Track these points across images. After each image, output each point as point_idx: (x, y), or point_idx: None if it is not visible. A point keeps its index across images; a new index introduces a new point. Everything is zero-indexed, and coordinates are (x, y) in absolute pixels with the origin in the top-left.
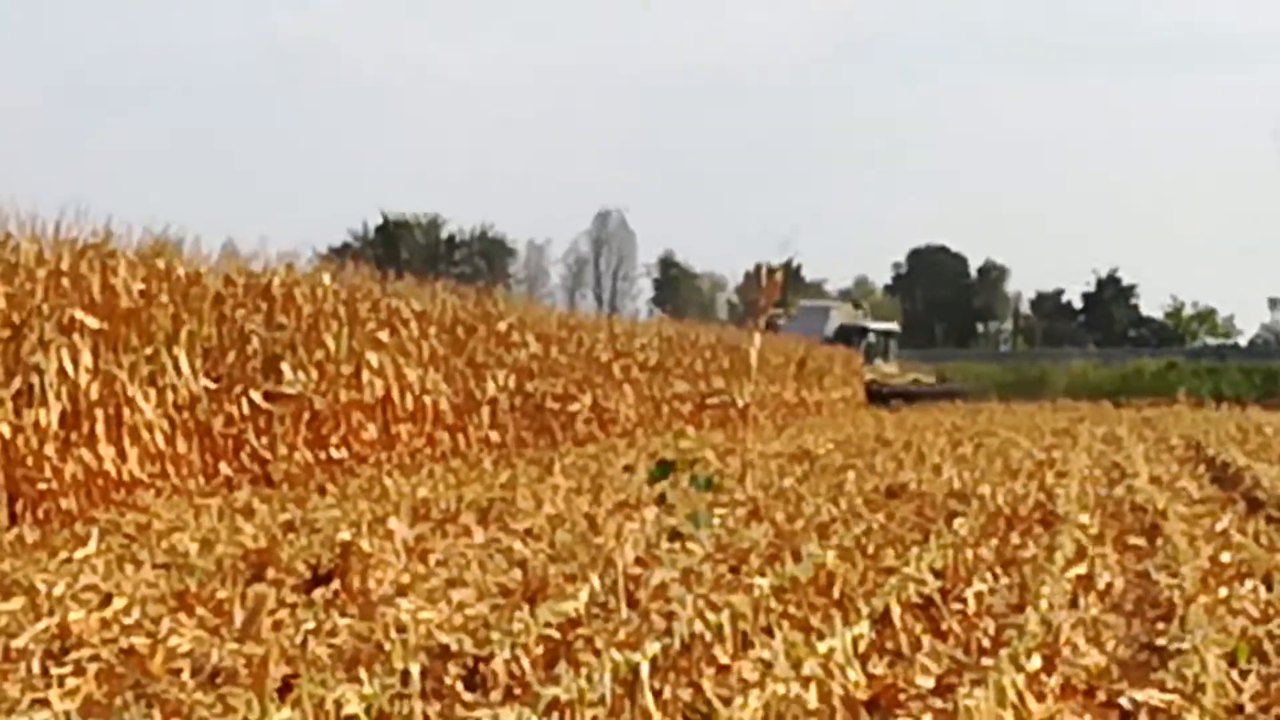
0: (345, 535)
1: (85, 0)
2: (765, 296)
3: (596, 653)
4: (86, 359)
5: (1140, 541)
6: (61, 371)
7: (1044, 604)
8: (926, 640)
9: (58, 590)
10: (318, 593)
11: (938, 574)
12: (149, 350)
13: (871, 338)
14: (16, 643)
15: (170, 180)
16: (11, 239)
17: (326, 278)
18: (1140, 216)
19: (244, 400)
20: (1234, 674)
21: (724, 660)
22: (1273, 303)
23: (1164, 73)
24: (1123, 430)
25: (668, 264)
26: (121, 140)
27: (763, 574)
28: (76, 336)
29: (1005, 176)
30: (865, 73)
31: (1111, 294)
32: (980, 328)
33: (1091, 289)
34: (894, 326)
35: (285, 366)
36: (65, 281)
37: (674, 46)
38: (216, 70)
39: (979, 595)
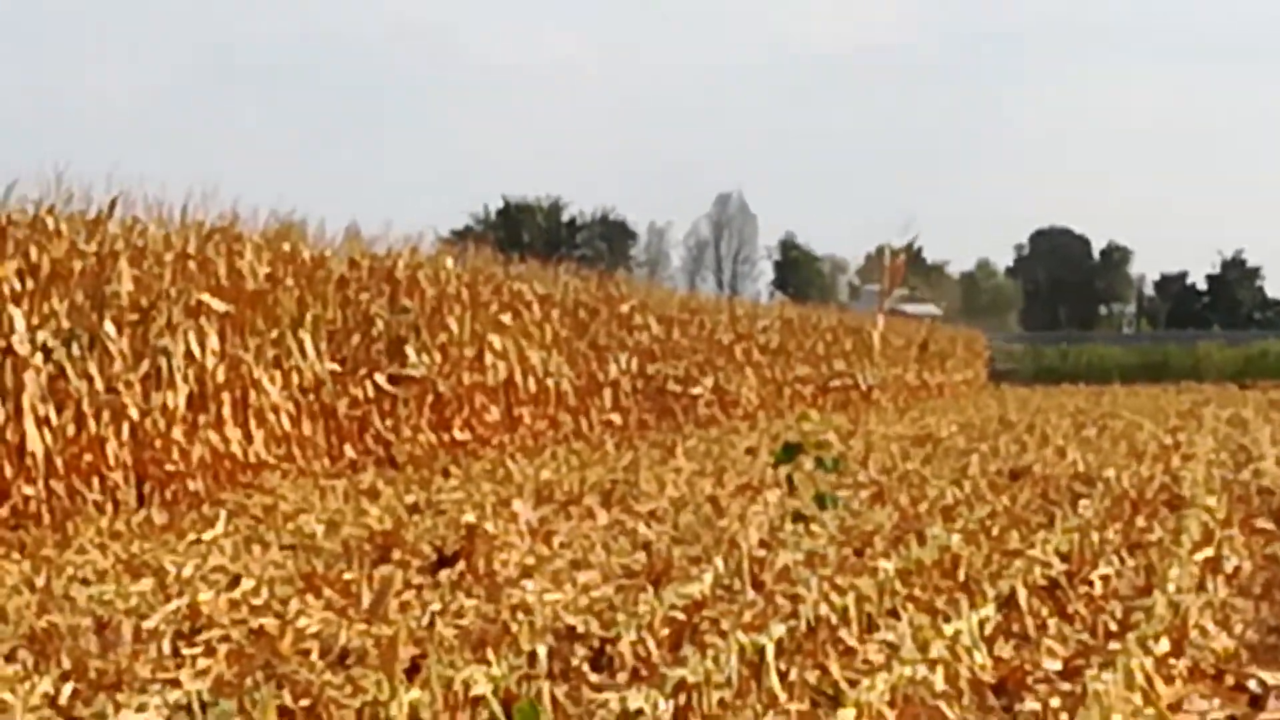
0: (470, 517)
1: None
2: (889, 279)
3: (722, 635)
4: (213, 342)
5: (1268, 525)
6: (189, 354)
7: (1171, 587)
8: (1053, 623)
9: (187, 571)
10: (443, 574)
11: (1063, 557)
12: (274, 333)
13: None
14: (147, 623)
15: (295, 163)
16: (139, 223)
17: (450, 261)
18: (1266, 197)
19: (368, 383)
20: None
21: (850, 643)
22: None
23: None
24: (1249, 413)
25: (788, 246)
26: (248, 124)
27: (887, 556)
28: (203, 320)
29: (1129, 159)
30: (989, 58)
31: (1236, 276)
32: (1103, 310)
33: (1216, 271)
34: (935, 310)
35: (409, 349)
36: (192, 265)
37: (794, 31)
38: (340, 55)
39: (1105, 578)
